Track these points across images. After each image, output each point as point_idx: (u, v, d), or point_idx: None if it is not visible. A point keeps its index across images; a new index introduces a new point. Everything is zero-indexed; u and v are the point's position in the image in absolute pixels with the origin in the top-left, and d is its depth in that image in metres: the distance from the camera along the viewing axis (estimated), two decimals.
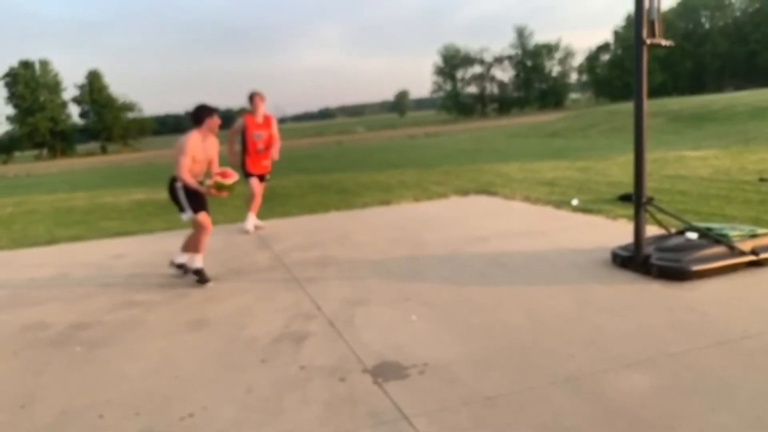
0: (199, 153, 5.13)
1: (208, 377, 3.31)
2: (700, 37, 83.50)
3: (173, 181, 5.18)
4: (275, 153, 7.61)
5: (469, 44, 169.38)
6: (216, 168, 5.35)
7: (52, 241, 8.10)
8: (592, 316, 3.79)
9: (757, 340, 3.23)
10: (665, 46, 4.58)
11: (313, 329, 3.92)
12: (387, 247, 6.21)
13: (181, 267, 5.57)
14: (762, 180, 8.32)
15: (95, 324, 4.37)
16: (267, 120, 7.51)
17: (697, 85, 77.44)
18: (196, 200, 5.19)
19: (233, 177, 5.25)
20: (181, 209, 5.22)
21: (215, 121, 5.23)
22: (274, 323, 4.09)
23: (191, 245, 5.38)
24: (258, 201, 7.70)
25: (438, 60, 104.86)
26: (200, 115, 5.16)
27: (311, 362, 3.38)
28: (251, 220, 7.59)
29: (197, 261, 5.26)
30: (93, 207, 11.81)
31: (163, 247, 7.06)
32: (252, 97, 7.42)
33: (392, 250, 6.08)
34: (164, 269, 5.90)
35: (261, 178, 7.71)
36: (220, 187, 5.13)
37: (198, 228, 5.24)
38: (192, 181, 5.09)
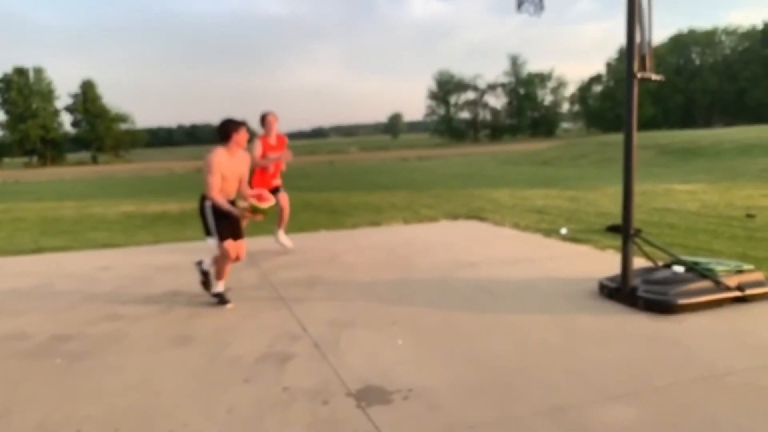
0: (227, 170, 4.85)
1: (190, 395, 3.27)
2: (690, 73, 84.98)
3: (203, 200, 4.91)
4: (287, 155, 7.31)
5: (463, 70, 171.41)
6: (245, 186, 5.14)
7: (37, 250, 8.03)
8: (578, 346, 3.79)
9: (741, 376, 3.24)
10: (656, 81, 4.65)
11: (297, 350, 3.88)
12: (375, 269, 6.19)
13: (206, 275, 5.21)
14: (749, 216, 8.40)
15: (77, 336, 4.32)
16: (281, 141, 7.27)
17: (687, 120, 78.65)
18: (225, 226, 4.90)
19: (269, 200, 5.10)
20: (208, 232, 4.94)
21: (243, 135, 4.93)
22: (259, 342, 4.05)
23: (217, 267, 5.08)
24: (285, 216, 7.47)
25: (432, 84, 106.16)
26: (227, 130, 4.87)
27: (294, 384, 3.35)
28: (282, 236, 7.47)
29: (218, 286, 5.05)
30: (81, 217, 11.73)
31: (150, 260, 7.01)
32: (264, 118, 7.15)
33: (381, 272, 6.07)
34: (150, 283, 5.87)
35: (275, 191, 7.27)
36: (255, 210, 4.96)
37: (223, 256, 4.94)
38: (223, 202, 4.81)
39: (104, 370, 3.67)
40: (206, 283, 5.16)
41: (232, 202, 5.00)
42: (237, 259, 5.03)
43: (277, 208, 7.19)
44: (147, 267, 6.65)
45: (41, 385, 3.46)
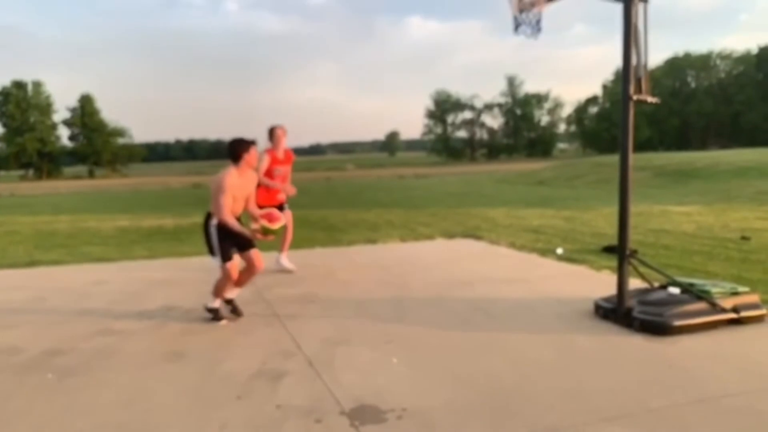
0: (237, 190, 4.82)
1: (182, 411, 3.24)
2: (686, 96, 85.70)
3: (208, 218, 4.86)
4: (289, 189, 7.07)
5: (460, 90, 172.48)
6: (252, 205, 5.10)
7: (31, 263, 7.98)
8: (573, 367, 3.77)
9: (736, 399, 3.22)
10: (651, 103, 4.69)
11: (291, 368, 3.86)
12: (371, 287, 6.18)
13: (230, 302, 5.17)
14: (744, 238, 8.42)
15: (69, 351, 4.28)
16: (288, 155, 7.10)
17: (682, 142, 79.20)
18: (229, 245, 4.82)
19: (280, 221, 5.03)
20: (211, 252, 4.87)
21: (253, 155, 4.89)
22: (252, 359, 4.02)
23: (217, 287, 4.97)
24: (288, 236, 7.27)
25: (430, 103, 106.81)
26: (238, 150, 4.81)
27: (288, 401, 3.32)
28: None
29: (215, 302, 4.99)
30: (76, 231, 11.69)
31: (144, 275, 6.98)
32: (273, 131, 6.99)
33: (376, 290, 6.05)
34: (144, 298, 5.84)
35: (279, 208, 6.98)
36: (266, 231, 4.90)
37: (224, 276, 4.86)
38: (234, 223, 4.76)
39: (96, 386, 3.63)
40: (217, 318, 5.01)
41: (238, 219, 4.94)
42: (256, 269, 4.98)
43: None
44: (141, 282, 6.61)
45: (32, 400, 3.43)
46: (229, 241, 4.84)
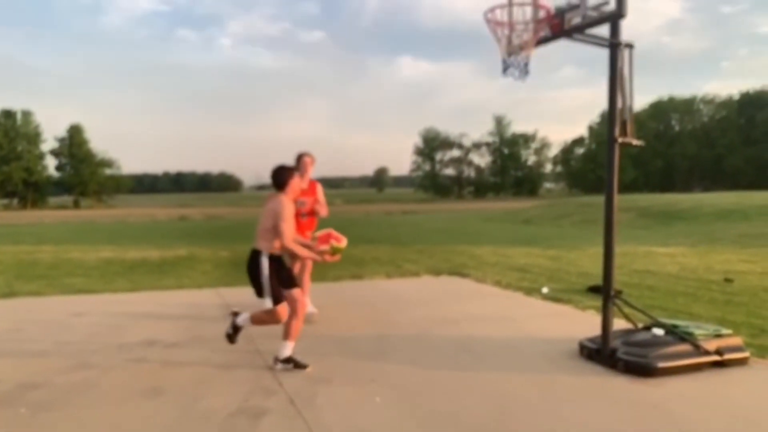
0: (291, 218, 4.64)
1: None
2: (670, 139, 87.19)
3: (256, 255, 4.54)
4: (323, 210, 6.59)
5: (449, 128, 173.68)
6: (295, 233, 4.83)
7: (10, 294, 7.85)
8: (557, 407, 3.73)
9: None
10: (636, 145, 4.76)
11: (272, 406, 3.79)
12: (355, 324, 6.12)
13: (236, 329, 4.79)
14: (727, 280, 8.48)
15: (45, 385, 4.18)
16: (312, 186, 6.60)
17: (666, 184, 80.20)
18: (278, 285, 4.52)
19: (344, 239, 4.93)
20: (259, 293, 4.56)
21: (297, 181, 4.74)
22: (232, 396, 3.95)
23: (258, 317, 4.67)
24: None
25: (418, 141, 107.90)
26: (285, 178, 4.63)
27: None
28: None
29: (286, 349, 4.59)
30: (58, 262, 11.54)
31: (126, 308, 6.88)
32: (300, 158, 6.47)
33: (360, 327, 6.00)
34: (125, 331, 5.74)
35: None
36: (336, 251, 4.79)
37: (272, 318, 4.55)
38: (300, 248, 4.60)
39: (69, 422, 3.54)
40: (232, 336, 4.75)
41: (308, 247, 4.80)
42: (299, 311, 4.59)
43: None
44: (122, 315, 6.51)
45: None
46: (277, 281, 4.55)
